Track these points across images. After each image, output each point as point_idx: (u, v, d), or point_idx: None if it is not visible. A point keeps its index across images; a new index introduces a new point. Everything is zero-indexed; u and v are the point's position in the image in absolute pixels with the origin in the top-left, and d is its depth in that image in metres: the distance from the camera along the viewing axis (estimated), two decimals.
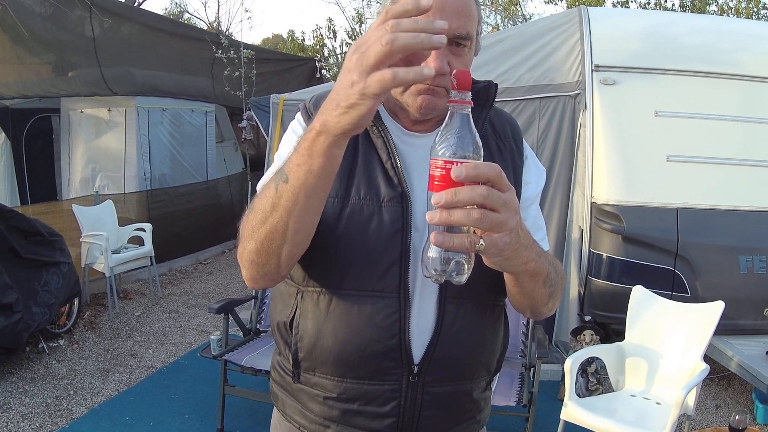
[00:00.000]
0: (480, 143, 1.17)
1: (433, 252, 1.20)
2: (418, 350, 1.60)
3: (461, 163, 1.12)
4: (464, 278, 1.23)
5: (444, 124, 1.19)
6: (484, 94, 1.70)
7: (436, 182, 1.14)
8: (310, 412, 1.72)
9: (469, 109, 1.19)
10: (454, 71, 1.22)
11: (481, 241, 1.14)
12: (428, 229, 1.19)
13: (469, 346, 1.64)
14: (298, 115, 1.74)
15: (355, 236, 1.58)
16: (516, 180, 1.70)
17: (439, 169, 1.14)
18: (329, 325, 1.62)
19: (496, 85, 1.75)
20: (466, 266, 1.21)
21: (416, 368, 1.60)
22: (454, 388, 1.67)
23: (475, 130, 1.18)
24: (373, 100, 1.10)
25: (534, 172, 1.77)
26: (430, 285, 1.58)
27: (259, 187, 1.62)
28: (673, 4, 17.10)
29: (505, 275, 1.45)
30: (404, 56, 1.10)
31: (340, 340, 1.60)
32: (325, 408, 1.69)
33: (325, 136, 1.21)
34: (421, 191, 1.57)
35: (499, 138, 1.74)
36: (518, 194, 1.67)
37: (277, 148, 1.72)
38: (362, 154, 1.64)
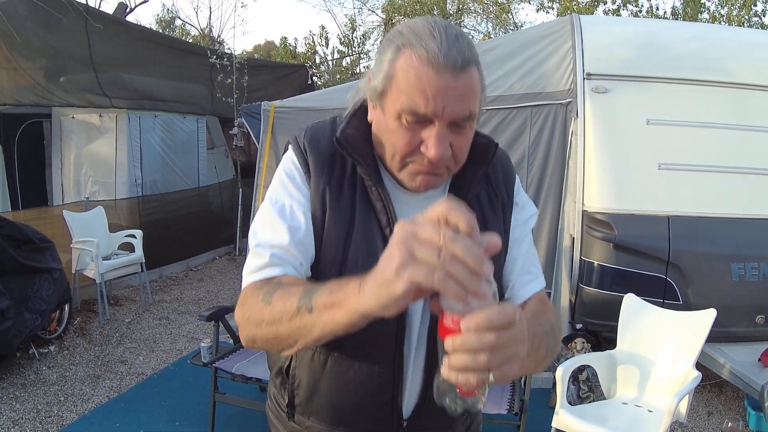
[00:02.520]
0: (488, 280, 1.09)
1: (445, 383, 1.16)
2: (408, 409, 1.68)
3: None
4: (480, 405, 1.20)
5: None
6: (482, 152, 1.65)
7: (446, 324, 1.12)
8: None
9: None
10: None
11: (490, 376, 1.08)
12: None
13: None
14: (291, 154, 1.67)
15: None
16: (505, 228, 1.71)
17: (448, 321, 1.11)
18: (325, 381, 1.66)
19: (497, 144, 1.70)
20: (481, 396, 1.18)
21: (405, 423, 1.69)
22: None
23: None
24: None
25: (525, 214, 1.77)
26: (421, 352, 1.63)
27: (256, 230, 1.59)
28: (665, 12, 17.15)
29: None
30: None
31: (335, 396, 1.66)
32: None
33: (358, 316, 1.19)
34: None
35: (491, 188, 1.71)
36: (506, 241, 1.71)
37: (265, 184, 1.76)
38: (360, 218, 1.59)
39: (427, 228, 1.05)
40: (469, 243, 1.03)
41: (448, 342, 1.07)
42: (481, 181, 1.66)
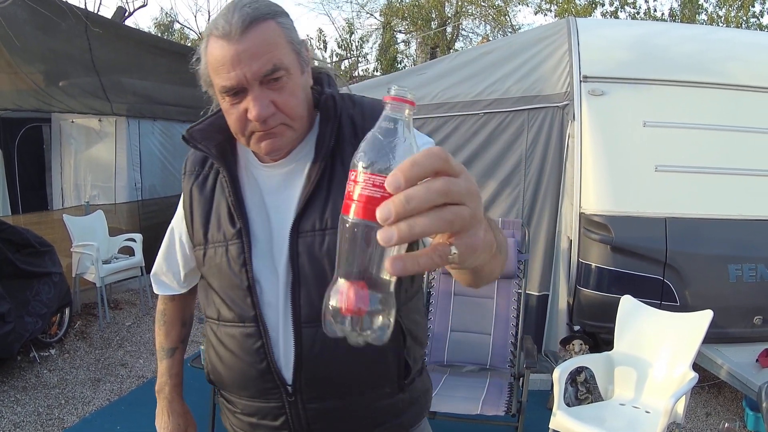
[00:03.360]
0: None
1: (335, 300, 0.93)
2: (287, 373, 1.69)
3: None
4: (387, 335, 0.96)
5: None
6: (326, 107, 1.67)
7: (357, 201, 0.86)
8: (230, 423, 1.91)
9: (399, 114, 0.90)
10: None
11: (453, 249, 0.83)
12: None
13: (338, 366, 1.67)
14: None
15: (215, 277, 1.75)
16: None
17: (361, 185, 0.86)
18: (219, 353, 1.79)
19: (340, 95, 1.72)
20: (383, 318, 0.94)
21: (290, 388, 1.70)
22: (337, 403, 1.73)
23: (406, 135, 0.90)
24: None
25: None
26: (288, 312, 1.66)
27: (156, 271, 2.11)
28: (663, 14, 17.18)
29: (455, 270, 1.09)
30: None
31: (227, 366, 1.77)
32: (236, 420, 1.87)
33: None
34: (260, 220, 1.71)
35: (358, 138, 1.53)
36: None
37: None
38: (216, 201, 1.76)
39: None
40: None
41: (386, 208, 0.76)
42: (333, 136, 1.65)
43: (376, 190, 0.84)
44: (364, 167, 0.86)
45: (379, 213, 0.77)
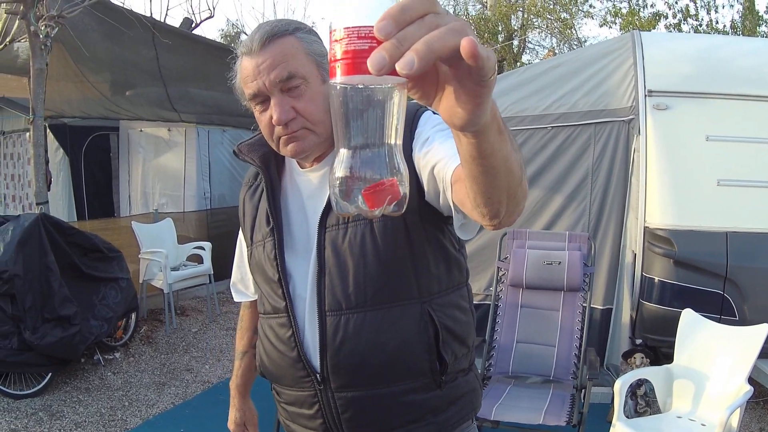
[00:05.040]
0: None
1: (342, 170, 0.86)
2: (316, 361, 1.81)
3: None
4: (404, 205, 0.91)
5: None
6: None
7: (343, 59, 0.78)
8: (281, 415, 2.06)
9: None
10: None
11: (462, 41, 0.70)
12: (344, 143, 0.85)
13: (360, 354, 1.74)
14: None
15: (258, 272, 1.96)
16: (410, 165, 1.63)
17: (345, 41, 0.78)
18: (263, 344, 1.98)
19: None
20: (398, 186, 0.88)
21: (319, 376, 1.80)
22: (365, 393, 1.79)
23: None
24: None
25: (424, 133, 1.65)
26: (314, 301, 1.78)
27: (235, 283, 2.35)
28: (725, 26, 17.01)
29: (467, 151, 0.98)
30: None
31: (269, 356, 1.94)
32: (283, 410, 2.03)
33: None
34: (299, 220, 1.87)
35: None
36: (414, 172, 1.64)
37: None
38: (261, 205, 1.96)
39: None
40: None
41: (373, 58, 0.71)
42: None
43: (362, 42, 0.77)
44: (344, 23, 0.78)
45: (372, 61, 0.71)
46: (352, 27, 0.77)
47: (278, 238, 1.84)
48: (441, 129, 1.60)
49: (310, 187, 1.85)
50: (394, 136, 0.86)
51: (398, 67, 0.69)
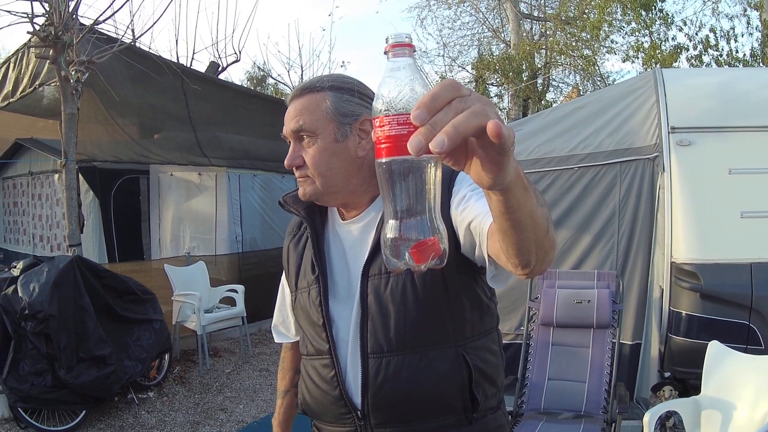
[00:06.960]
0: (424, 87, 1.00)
1: (392, 232, 1.04)
2: (357, 398, 1.90)
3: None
4: (444, 259, 1.07)
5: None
6: None
7: (386, 142, 0.98)
8: None
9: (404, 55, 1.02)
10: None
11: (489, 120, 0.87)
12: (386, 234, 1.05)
13: (400, 392, 1.84)
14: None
15: (301, 317, 2.07)
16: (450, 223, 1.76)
17: (387, 127, 0.98)
18: (306, 384, 2.07)
19: None
20: (438, 243, 1.04)
21: (360, 413, 1.90)
22: (403, 428, 1.89)
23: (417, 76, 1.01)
24: None
25: (461, 192, 1.75)
26: (357, 344, 1.88)
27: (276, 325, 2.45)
28: (744, 54, 17.03)
29: (496, 207, 1.14)
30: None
31: (311, 394, 2.03)
32: None
33: None
34: (341, 268, 1.97)
35: None
36: (452, 229, 1.74)
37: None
38: (305, 254, 2.06)
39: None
40: None
41: (412, 141, 0.86)
42: None
43: (401, 128, 0.97)
44: (386, 111, 0.98)
45: (411, 144, 0.86)
46: (393, 115, 0.97)
47: (323, 285, 1.95)
48: (475, 188, 1.70)
49: (351, 237, 1.96)
50: (434, 201, 1.03)
51: (432, 147, 0.85)
